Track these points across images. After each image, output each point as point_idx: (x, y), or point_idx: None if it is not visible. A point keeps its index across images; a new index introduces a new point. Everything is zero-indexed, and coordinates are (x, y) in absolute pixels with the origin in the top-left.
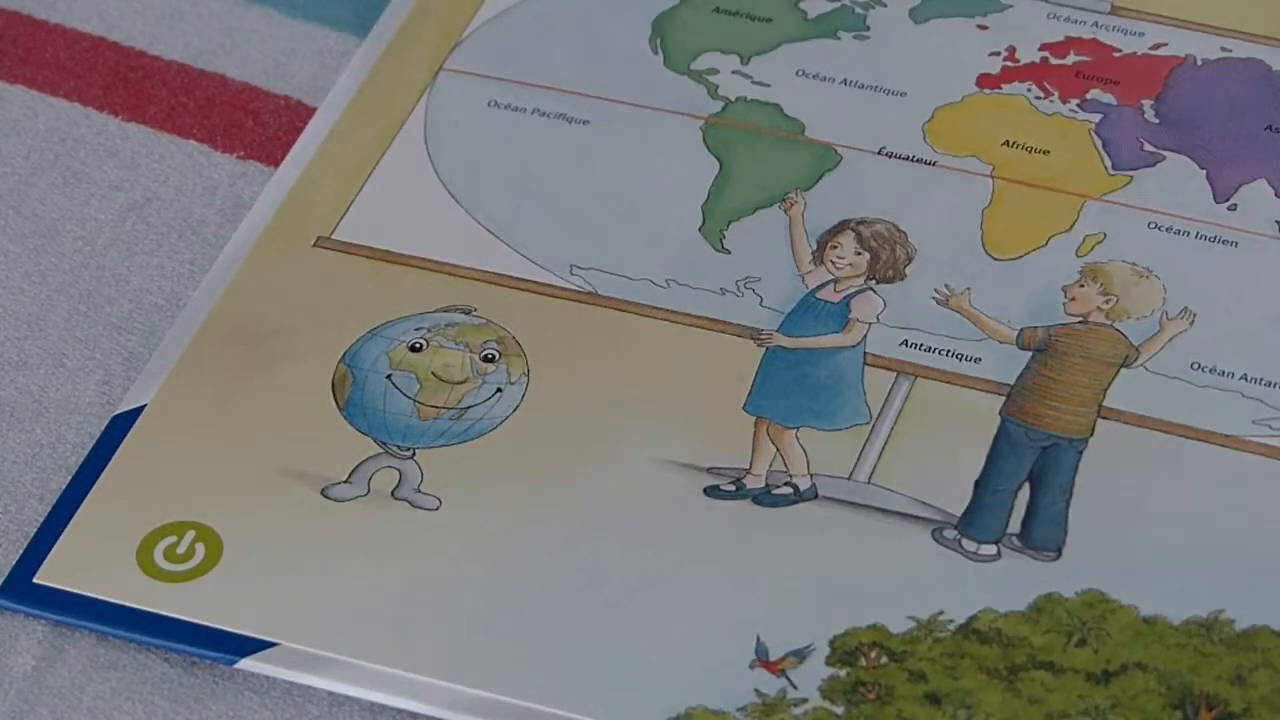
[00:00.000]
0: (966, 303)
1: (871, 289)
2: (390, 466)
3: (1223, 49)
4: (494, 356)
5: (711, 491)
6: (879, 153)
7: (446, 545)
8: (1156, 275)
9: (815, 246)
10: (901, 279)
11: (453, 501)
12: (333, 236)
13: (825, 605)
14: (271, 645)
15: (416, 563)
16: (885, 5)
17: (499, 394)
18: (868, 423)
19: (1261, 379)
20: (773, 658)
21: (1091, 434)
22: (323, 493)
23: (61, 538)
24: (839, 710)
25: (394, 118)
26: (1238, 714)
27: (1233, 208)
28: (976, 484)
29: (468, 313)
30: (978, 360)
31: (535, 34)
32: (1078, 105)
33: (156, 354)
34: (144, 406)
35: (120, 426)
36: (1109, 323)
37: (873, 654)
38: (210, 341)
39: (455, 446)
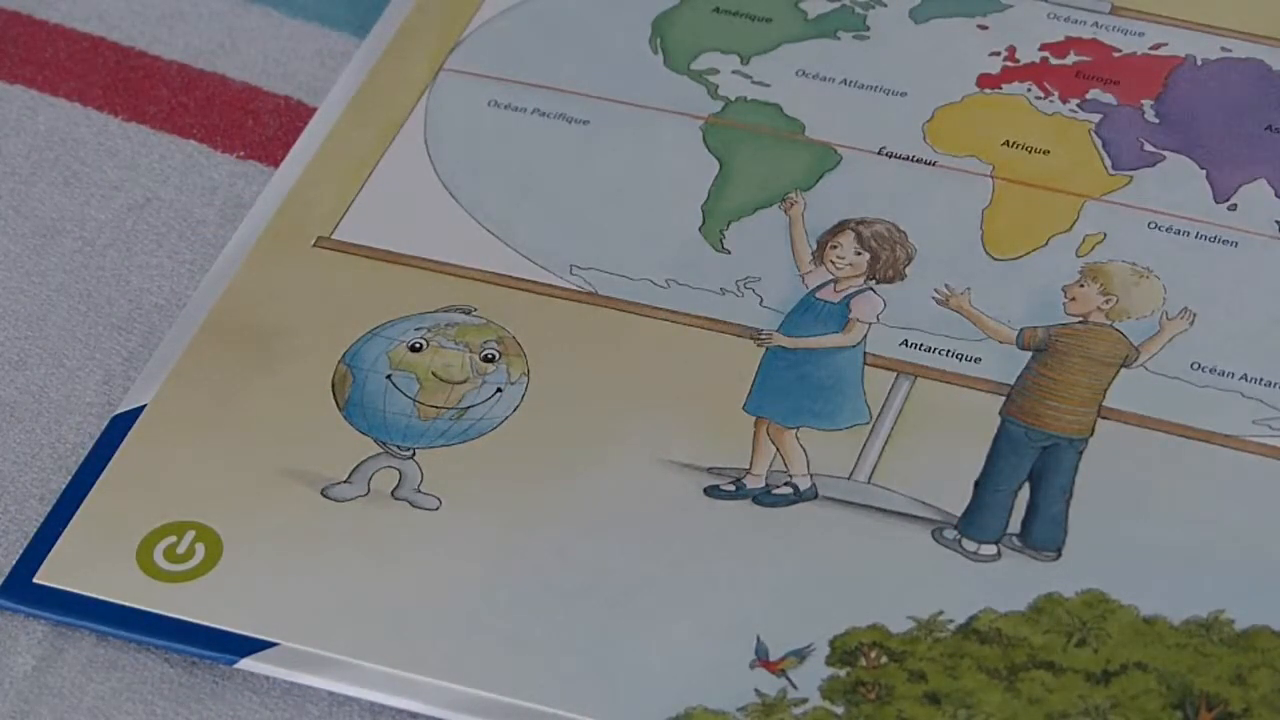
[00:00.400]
0: (966, 303)
1: (871, 289)
2: (390, 466)
3: (1223, 49)
4: (494, 356)
5: (711, 491)
6: (879, 153)
7: (446, 545)
8: (1156, 275)
9: (815, 246)
10: (901, 279)
11: (453, 501)
12: (333, 236)
13: (825, 605)
14: (271, 645)
15: (416, 563)
16: (885, 5)
17: (499, 394)
18: (868, 423)
19: (1261, 379)
20: (773, 658)
21: (1091, 434)
22: (323, 493)
23: (61, 538)
24: (839, 710)
25: (394, 118)
26: (1238, 714)
27: (1233, 208)
28: (976, 484)
29: (468, 313)
30: (978, 360)
31: (535, 34)
32: (1078, 105)
33: (156, 354)
34: (144, 406)
35: (120, 426)
36: (1109, 323)
37: (873, 654)
38: (210, 341)
39: (455, 446)
